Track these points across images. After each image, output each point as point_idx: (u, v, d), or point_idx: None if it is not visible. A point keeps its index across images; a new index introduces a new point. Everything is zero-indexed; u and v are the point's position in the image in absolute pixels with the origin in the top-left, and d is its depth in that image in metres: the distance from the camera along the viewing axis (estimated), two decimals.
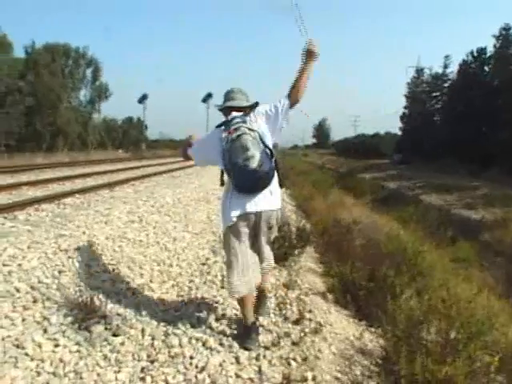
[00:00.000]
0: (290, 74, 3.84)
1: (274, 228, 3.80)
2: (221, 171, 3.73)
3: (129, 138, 66.47)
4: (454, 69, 54.42)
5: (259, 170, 3.41)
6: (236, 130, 3.47)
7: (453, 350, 3.09)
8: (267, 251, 3.87)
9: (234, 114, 3.65)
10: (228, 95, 3.82)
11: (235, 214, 3.53)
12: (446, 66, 57.11)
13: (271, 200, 3.62)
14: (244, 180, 3.49)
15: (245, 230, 3.62)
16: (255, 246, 3.76)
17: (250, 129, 3.50)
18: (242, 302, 3.70)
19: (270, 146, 3.60)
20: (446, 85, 56.86)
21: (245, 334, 3.68)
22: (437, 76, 59.21)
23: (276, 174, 3.63)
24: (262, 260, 3.81)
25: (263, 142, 3.52)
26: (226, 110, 3.79)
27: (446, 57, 57.20)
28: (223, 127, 3.61)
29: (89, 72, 56.01)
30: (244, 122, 3.55)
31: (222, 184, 3.81)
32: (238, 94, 3.81)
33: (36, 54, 47.79)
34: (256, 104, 3.77)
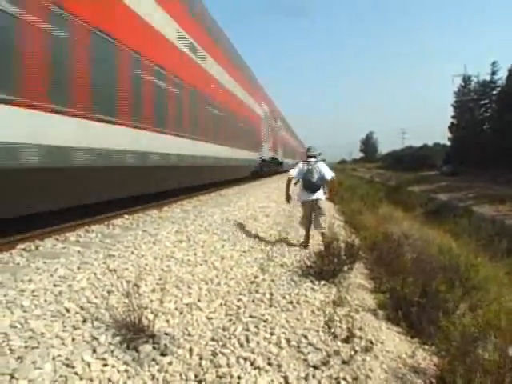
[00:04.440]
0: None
1: (320, 208, 7.97)
2: (297, 180, 8.15)
3: None
4: (502, 75, 53.23)
5: (315, 182, 7.87)
6: (311, 165, 7.94)
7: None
8: (321, 220, 8.00)
9: (312, 159, 8.07)
10: (310, 150, 8.29)
11: (301, 199, 8.19)
12: (493, 73, 56.05)
13: (318, 195, 7.93)
14: (307, 185, 7.94)
15: (307, 207, 8.07)
16: (314, 217, 8.03)
17: (317, 167, 7.89)
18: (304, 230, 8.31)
19: (322, 175, 7.86)
20: (494, 92, 55.52)
21: (305, 241, 8.14)
22: (484, 83, 57.95)
23: (323, 186, 7.99)
24: (316, 224, 8.02)
25: (320, 173, 7.86)
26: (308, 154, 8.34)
27: (494, 63, 56.08)
28: (306, 163, 8.02)
29: None
30: (315, 163, 7.96)
31: (295, 184, 8.23)
32: (314, 150, 8.27)
33: None
34: (319, 154, 8.88)
